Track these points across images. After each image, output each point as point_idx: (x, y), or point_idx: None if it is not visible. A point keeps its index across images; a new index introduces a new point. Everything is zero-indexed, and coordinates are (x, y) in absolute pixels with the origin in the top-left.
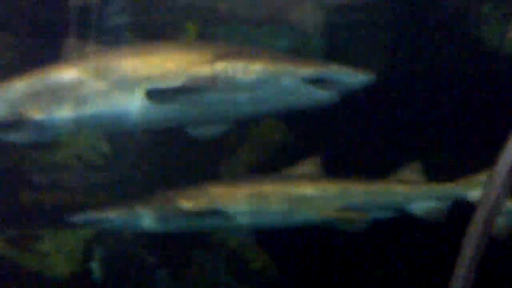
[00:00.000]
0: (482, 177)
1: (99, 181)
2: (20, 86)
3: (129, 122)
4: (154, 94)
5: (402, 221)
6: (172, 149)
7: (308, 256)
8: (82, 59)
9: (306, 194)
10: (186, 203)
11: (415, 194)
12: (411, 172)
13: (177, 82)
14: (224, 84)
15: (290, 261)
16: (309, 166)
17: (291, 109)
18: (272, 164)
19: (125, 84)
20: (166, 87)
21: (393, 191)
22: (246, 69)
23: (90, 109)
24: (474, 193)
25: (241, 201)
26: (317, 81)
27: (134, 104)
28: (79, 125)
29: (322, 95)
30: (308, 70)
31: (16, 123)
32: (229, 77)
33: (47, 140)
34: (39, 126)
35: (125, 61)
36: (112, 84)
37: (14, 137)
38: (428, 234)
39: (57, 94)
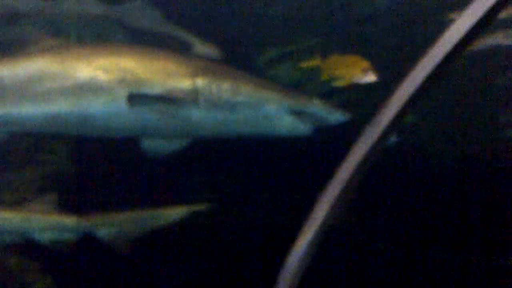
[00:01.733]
0: (115, 217)
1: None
2: None
3: (97, 126)
4: (135, 98)
5: None
6: None
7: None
8: (46, 52)
9: None
10: None
11: (41, 223)
12: (45, 202)
13: (153, 90)
14: (206, 101)
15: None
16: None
17: (267, 136)
18: None
19: (97, 85)
20: (148, 93)
21: (19, 219)
22: (232, 90)
23: (54, 108)
24: (103, 231)
25: None
26: (298, 113)
27: (105, 106)
28: (40, 124)
29: (301, 127)
30: (293, 101)
31: None
32: (213, 95)
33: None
34: None
35: (96, 60)
36: (80, 84)
37: None
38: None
39: (13, 88)
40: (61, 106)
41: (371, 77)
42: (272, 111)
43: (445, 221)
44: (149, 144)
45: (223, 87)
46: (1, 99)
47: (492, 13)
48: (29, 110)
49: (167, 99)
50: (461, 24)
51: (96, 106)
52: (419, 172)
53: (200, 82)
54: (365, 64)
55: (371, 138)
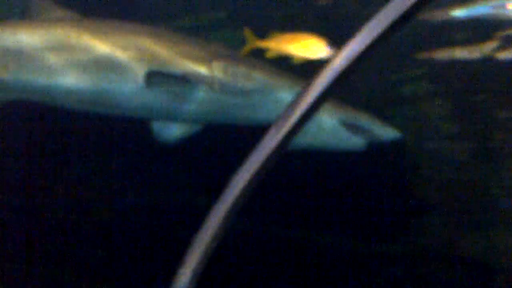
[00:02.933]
0: None
1: None
2: None
3: (112, 104)
4: (153, 78)
5: None
6: None
7: None
8: (63, 22)
9: None
10: None
11: None
12: None
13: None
14: (222, 85)
15: None
16: None
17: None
18: None
19: (115, 63)
20: (167, 72)
21: None
22: (247, 75)
23: (70, 81)
24: None
25: None
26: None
27: (122, 84)
28: (53, 96)
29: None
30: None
31: None
32: (228, 80)
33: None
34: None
35: (113, 37)
36: (98, 59)
37: None
38: None
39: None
40: (78, 80)
41: (324, 53)
42: (283, 97)
43: (326, 207)
44: (159, 128)
45: (239, 73)
46: (17, 65)
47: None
48: (44, 80)
49: (184, 81)
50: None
51: (113, 84)
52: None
53: (217, 66)
54: (317, 40)
55: (272, 141)
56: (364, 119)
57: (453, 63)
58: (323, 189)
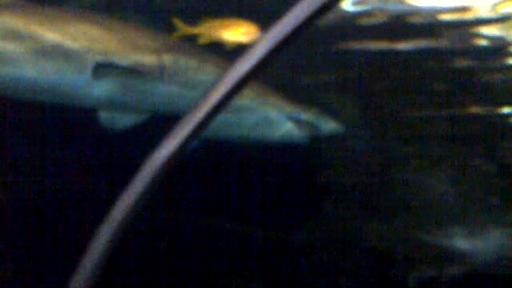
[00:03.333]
0: None
1: None
2: None
3: (60, 94)
4: (102, 69)
5: None
6: None
7: None
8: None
9: None
10: None
11: None
12: None
13: (120, 62)
14: (172, 77)
15: None
16: None
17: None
18: None
19: (64, 52)
20: (117, 63)
21: None
22: (199, 68)
23: (15, 71)
24: None
25: None
26: None
27: (71, 75)
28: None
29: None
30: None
31: None
32: (179, 72)
33: None
34: None
35: (63, 25)
36: (46, 48)
37: None
38: None
39: None
40: (25, 70)
41: (257, 37)
42: (274, 116)
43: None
44: (106, 117)
45: (190, 65)
46: None
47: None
48: None
49: (134, 73)
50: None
51: (61, 74)
52: None
53: (167, 58)
54: (247, 24)
55: (179, 136)
56: (309, 113)
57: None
58: (234, 180)
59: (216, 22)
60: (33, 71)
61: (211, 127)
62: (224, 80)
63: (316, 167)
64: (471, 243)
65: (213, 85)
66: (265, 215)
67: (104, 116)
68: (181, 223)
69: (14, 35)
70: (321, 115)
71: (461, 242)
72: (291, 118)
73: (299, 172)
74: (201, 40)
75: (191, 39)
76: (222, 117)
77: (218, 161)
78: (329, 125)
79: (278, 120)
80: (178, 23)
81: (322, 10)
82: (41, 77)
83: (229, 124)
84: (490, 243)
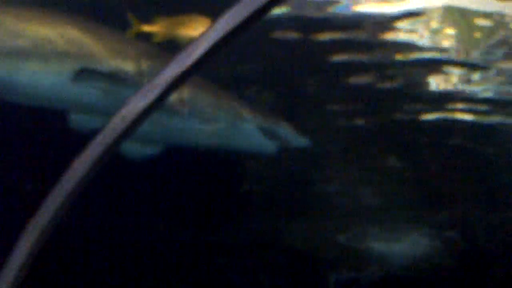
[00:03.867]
0: None
1: None
2: None
3: (36, 96)
4: (83, 74)
5: None
6: None
7: None
8: None
9: None
10: None
11: None
12: None
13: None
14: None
15: None
16: None
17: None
18: None
19: (42, 55)
20: (98, 70)
21: None
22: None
23: None
24: None
25: None
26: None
27: (48, 77)
28: None
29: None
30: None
31: None
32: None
33: None
34: None
35: (41, 27)
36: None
37: None
38: None
39: None
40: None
41: None
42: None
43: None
44: (76, 119)
45: (208, 101)
46: None
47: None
48: None
49: (114, 79)
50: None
51: (38, 75)
52: None
53: (146, 65)
54: (203, 21)
55: (110, 135)
56: (279, 126)
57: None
58: (166, 185)
59: (172, 19)
60: (11, 71)
61: (185, 135)
62: (164, 75)
63: (240, 169)
64: (388, 246)
65: (152, 79)
66: (190, 217)
67: (74, 118)
68: (110, 223)
69: None
70: (291, 129)
71: (379, 245)
72: (263, 130)
73: (223, 176)
74: (157, 38)
75: (146, 36)
76: (198, 126)
77: (152, 165)
78: (297, 139)
79: (251, 131)
80: (133, 20)
81: (262, 11)
82: (17, 78)
83: (204, 133)
84: (407, 245)
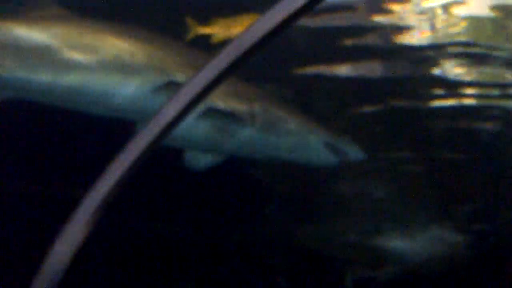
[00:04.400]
0: None
1: None
2: None
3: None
4: (208, 111)
5: None
6: None
7: None
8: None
9: None
10: None
11: None
12: None
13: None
14: (261, 124)
15: None
16: None
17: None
18: None
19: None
20: (228, 111)
21: None
22: (284, 118)
23: (76, 79)
24: None
25: None
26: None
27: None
28: (57, 96)
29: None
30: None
31: None
32: (267, 120)
33: None
34: None
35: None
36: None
37: None
38: None
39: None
40: (85, 80)
41: None
42: (313, 141)
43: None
44: (192, 157)
45: (277, 115)
46: (16, 61)
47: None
48: (48, 78)
49: (233, 117)
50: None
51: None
52: None
53: (258, 107)
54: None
55: (147, 137)
56: (340, 140)
57: None
58: (172, 182)
59: (229, 19)
60: (95, 82)
61: (253, 147)
62: (198, 80)
63: (251, 168)
64: (404, 244)
65: (186, 83)
66: (202, 217)
67: (190, 156)
68: (117, 225)
69: (76, 46)
70: (350, 143)
71: (395, 243)
72: (327, 144)
73: (234, 175)
74: (215, 39)
75: (204, 38)
76: (265, 138)
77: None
78: (356, 152)
79: (317, 145)
80: (191, 23)
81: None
82: (102, 89)
83: (271, 145)
84: (422, 243)
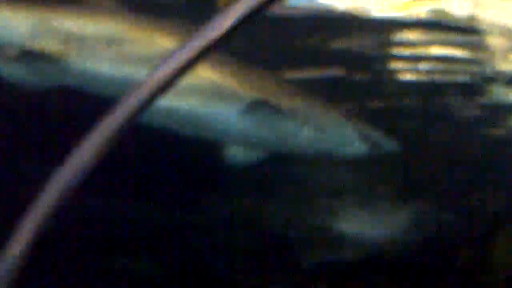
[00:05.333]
0: None
1: None
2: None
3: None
4: (256, 105)
5: None
6: None
7: None
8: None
9: None
10: None
11: None
12: None
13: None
14: (303, 118)
15: None
16: None
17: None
18: None
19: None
20: (272, 105)
21: None
22: (323, 111)
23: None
24: None
25: None
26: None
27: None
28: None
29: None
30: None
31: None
32: (309, 114)
33: None
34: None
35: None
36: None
37: None
38: None
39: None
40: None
41: None
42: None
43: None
44: (234, 152)
45: (317, 108)
46: (80, 50)
47: None
48: (112, 70)
49: (278, 111)
50: None
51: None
52: None
53: (300, 101)
54: None
55: (114, 121)
56: (372, 131)
57: None
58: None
59: None
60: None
61: (294, 141)
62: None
63: (216, 147)
64: (366, 227)
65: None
66: (163, 195)
67: (232, 151)
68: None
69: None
70: (384, 135)
71: (357, 226)
72: (361, 136)
73: (198, 153)
74: (220, 3)
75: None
76: (308, 133)
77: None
78: (389, 144)
79: (352, 137)
80: None
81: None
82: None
83: (311, 139)
84: (386, 227)
